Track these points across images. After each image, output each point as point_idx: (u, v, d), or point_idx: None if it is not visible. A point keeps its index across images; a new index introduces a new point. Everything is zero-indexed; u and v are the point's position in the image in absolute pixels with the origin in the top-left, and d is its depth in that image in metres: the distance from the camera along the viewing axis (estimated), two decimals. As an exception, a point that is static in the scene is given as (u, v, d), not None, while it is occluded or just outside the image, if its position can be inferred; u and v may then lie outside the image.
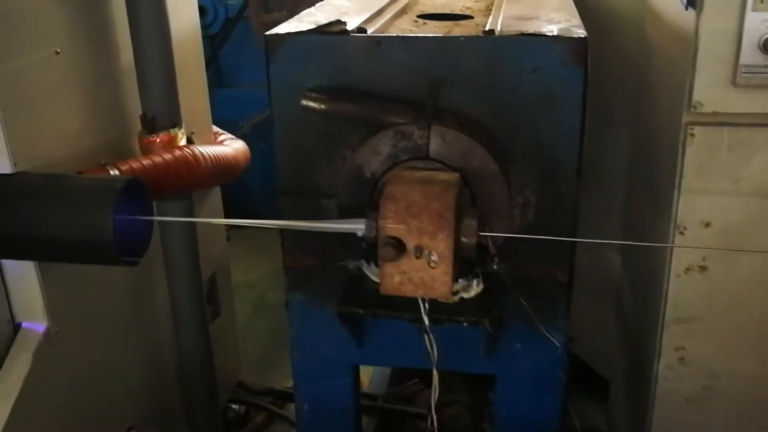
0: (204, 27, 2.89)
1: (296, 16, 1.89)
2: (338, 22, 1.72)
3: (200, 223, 2.29)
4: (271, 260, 4.19)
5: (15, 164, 1.65)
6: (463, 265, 1.61)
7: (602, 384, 2.80)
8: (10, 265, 1.73)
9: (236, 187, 2.74)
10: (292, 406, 2.95)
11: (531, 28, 1.70)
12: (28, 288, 1.76)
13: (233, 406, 2.92)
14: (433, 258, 1.46)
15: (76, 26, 1.88)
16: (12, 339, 1.77)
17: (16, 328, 1.79)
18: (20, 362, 1.75)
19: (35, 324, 1.79)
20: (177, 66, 2.08)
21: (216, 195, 2.71)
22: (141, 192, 1.66)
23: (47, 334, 1.79)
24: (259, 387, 3.05)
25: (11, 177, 1.64)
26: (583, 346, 2.73)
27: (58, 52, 1.80)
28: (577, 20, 1.79)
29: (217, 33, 4.44)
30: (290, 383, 3.11)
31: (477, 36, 1.69)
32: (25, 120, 1.68)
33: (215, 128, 2.67)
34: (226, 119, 2.89)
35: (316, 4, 2.07)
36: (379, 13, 1.95)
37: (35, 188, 1.63)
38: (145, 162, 1.89)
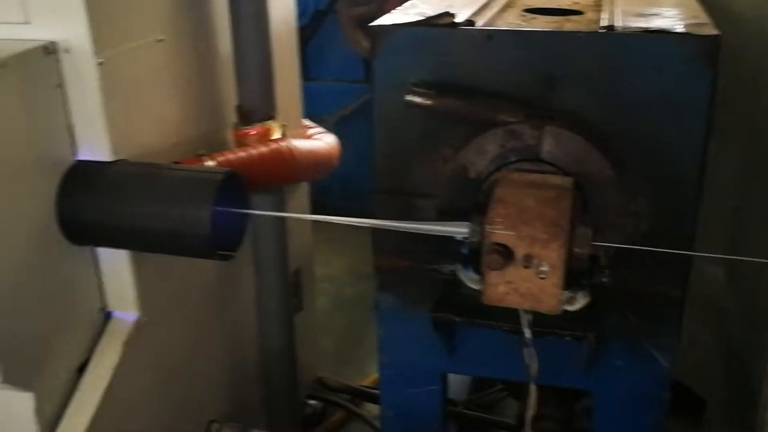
0: (293, 19, 2.86)
1: (401, 8, 1.82)
2: (447, 14, 1.64)
3: (289, 217, 2.25)
4: (349, 254, 4.16)
5: (115, 152, 1.63)
6: (570, 276, 1.52)
7: (696, 401, 2.64)
8: (104, 254, 1.72)
9: (316, 181, 2.69)
10: (369, 405, 2.91)
11: (654, 24, 1.58)
12: (120, 278, 1.75)
13: (311, 402, 2.88)
14: (543, 268, 1.37)
15: (179, 15, 1.86)
16: (103, 328, 1.77)
17: (108, 316, 1.78)
18: (111, 351, 1.74)
19: (126, 314, 1.78)
20: (274, 58, 2.05)
21: (303, 189, 2.67)
22: (237, 185, 1.63)
23: (137, 325, 1.78)
24: (337, 384, 3.00)
25: (111, 165, 1.62)
26: (678, 362, 2.59)
27: (161, 40, 1.78)
28: (703, 17, 1.67)
29: (306, 25, 4.42)
30: (366, 381, 3.08)
31: (596, 32, 1.59)
32: (125, 108, 1.67)
33: (305, 121, 2.63)
34: (310, 113, 2.85)
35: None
36: (485, 5, 1.86)
37: (134, 177, 1.61)
38: (242, 154, 1.86)
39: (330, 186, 4.06)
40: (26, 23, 1.54)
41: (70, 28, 1.54)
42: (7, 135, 1.45)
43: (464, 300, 1.69)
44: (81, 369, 1.72)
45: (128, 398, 1.78)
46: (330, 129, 2.79)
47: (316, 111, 3.45)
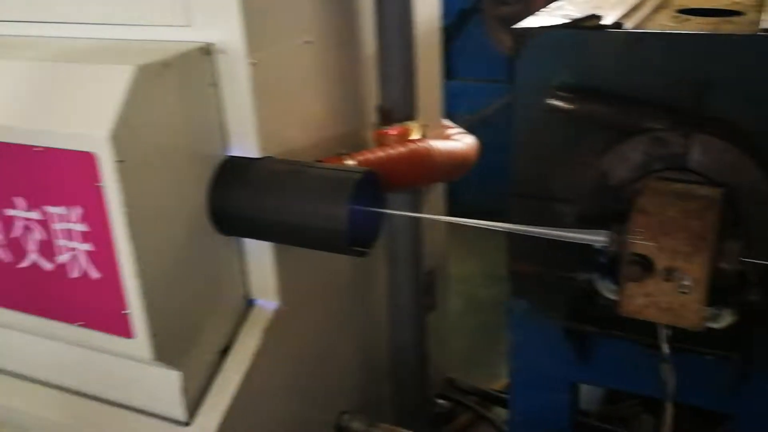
0: (438, 18, 2.88)
1: (547, 9, 1.79)
2: (593, 16, 1.60)
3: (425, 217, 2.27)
4: (483, 255, 4.14)
5: (263, 149, 1.71)
6: (716, 292, 1.44)
7: None
8: (250, 244, 1.81)
9: (455, 181, 2.69)
10: (497, 409, 2.89)
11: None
12: (264, 268, 1.83)
13: (440, 401, 2.90)
14: (685, 282, 1.31)
15: (327, 17, 1.92)
16: (246, 314, 1.86)
17: (250, 304, 1.87)
18: (251, 337, 1.83)
19: (267, 302, 1.87)
20: (417, 58, 2.07)
21: (440, 189, 2.68)
22: (375, 184, 1.67)
23: (277, 313, 1.86)
24: (466, 386, 3.00)
25: (258, 161, 1.71)
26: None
27: (309, 42, 1.85)
28: None
29: (450, 24, 4.43)
30: (497, 384, 3.06)
31: (756, 34, 1.49)
32: (274, 107, 1.74)
33: (445, 121, 2.64)
34: (452, 112, 2.86)
35: (567, -4, 1.96)
36: (636, 7, 1.80)
37: (278, 173, 1.68)
38: (381, 154, 1.90)
39: (469, 186, 4.06)
40: (188, 26, 1.65)
41: (226, 31, 1.63)
42: (168, 129, 1.56)
43: (599, 310, 1.65)
44: (224, 352, 1.82)
45: (266, 383, 1.87)
46: (472, 128, 2.80)
47: (458, 110, 3.46)
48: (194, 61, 1.61)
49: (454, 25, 4.44)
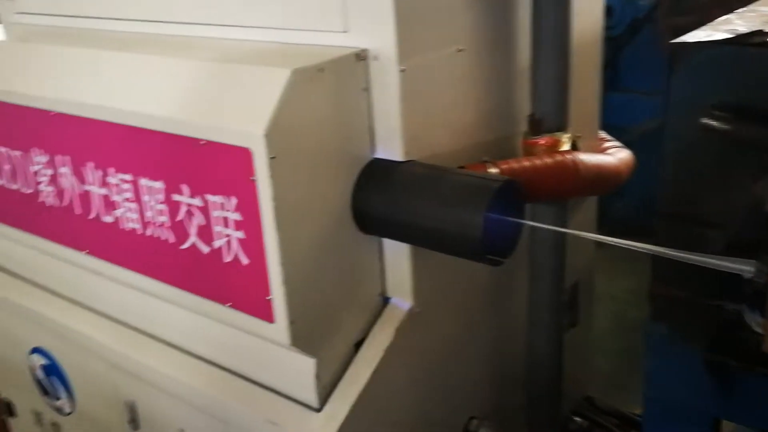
0: (607, 27, 2.80)
1: (711, 23, 1.71)
2: (760, 32, 1.51)
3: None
4: (637, 274, 3.97)
5: (407, 153, 1.77)
6: None
7: None
8: (389, 244, 1.87)
9: (610, 196, 2.62)
10: (636, 435, 2.78)
11: None
12: (400, 268, 1.89)
13: (576, 418, 2.83)
14: (838, 323, 1.21)
15: (481, 25, 1.94)
16: (381, 312, 1.92)
17: (386, 302, 1.94)
18: (384, 333, 1.89)
19: (402, 301, 1.92)
20: (572, 68, 2.04)
21: (591, 203, 2.62)
22: (516, 194, 1.67)
23: (411, 313, 1.91)
24: (605, 406, 2.91)
25: (401, 164, 1.76)
26: None
27: (461, 50, 1.88)
28: None
29: (620, 34, 4.29)
30: (638, 409, 2.93)
31: None
32: (421, 113, 1.79)
33: (602, 134, 2.57)
34: (615, 124, 2.78)
35: (738, 10, 1.85)
36: (813, 23, 1.67)
37: (419, 177, 1.73)
38: (526, 164, 1.89)
39: (625, 202, 3.91)
40: (344, 32, 1.73)
41: (380, 38, 1.69)
42: (320, 129, 1.65)
43: (745, 343, 1.55)
44: (357, 345, 1.89)
45: (395, 379, 1.92)
46: (633, 142, 2.71)
47: (621, 122, 3.34)
48: (348, 66, 1.69)
49: (625, 35, 4.29)
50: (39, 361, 2.54)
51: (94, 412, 2.44)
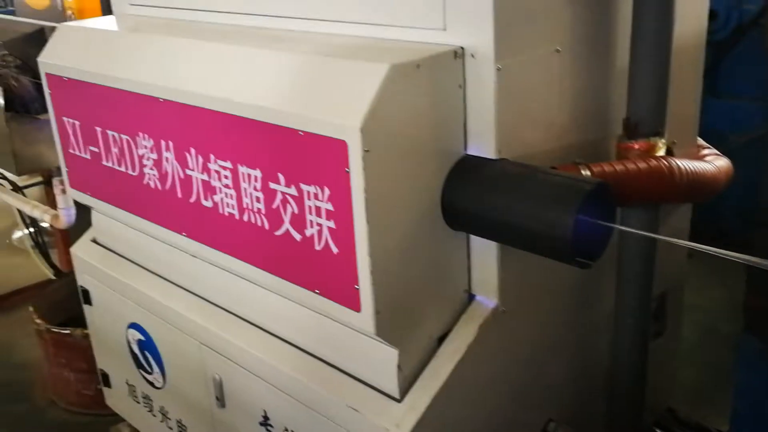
0: (710, 32, 2.72)
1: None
2: None
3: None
4: (730, 287, 3.84)
5: (499, 151, 1.78)
6: None
7: None
8: (476, 241, 1.88)
9: (705, 204, 2.55)
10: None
11: None
12: (487, 266, 1.90)
13: (657, 430, 2.77)
14: None
15: (579, 26, 1.93)
16: (465, 308, 1.94)
17: (471, 298, 1.95)
18: (467, 330, 1.91)
19: (487, 299, 1.93)
20: (672, 72, 2.00)
21: (685, 210, 2.56)
22: (607, 197, 1.65)
23: (495, 311, 1.92)
24: (689, 419, 2.83)
25: (494, 162, 1.77)
26: None
27: (558, 51, 1.87)
28: None
29: (724, 39, 4.15)
30: (723, 424, 2.85)
31: None
32: (515, 111, 1.80)
33: (699, 140, 2.51)
34: (715, 131, 2.70)
35: None
36: None
37: (512, 176, 1.74)
38: (618, 167, 1.87)
39: (721, 209, 3.79)
40: (443, 29, 1.76)
41: (478, 36, 1.71)
42: (414, 124, 1.68)
43: None
44: (440, 340, 1.92)
45: (476, 375, 1.94)
46: (733, 150, 2.63)
47: (722, 129, 3.24)
48: (445, 63, 1.71)
49: (728, 40, 4.15)
50: (135, 336, 2.68)
51: (183, 387, 2.55)
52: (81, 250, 2.85)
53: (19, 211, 4.34)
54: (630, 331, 2.28)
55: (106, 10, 5.37)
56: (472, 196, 1.76)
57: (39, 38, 3.71)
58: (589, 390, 2.40)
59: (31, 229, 4.28)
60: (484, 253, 1.89)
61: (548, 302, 2.13)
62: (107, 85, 2.26)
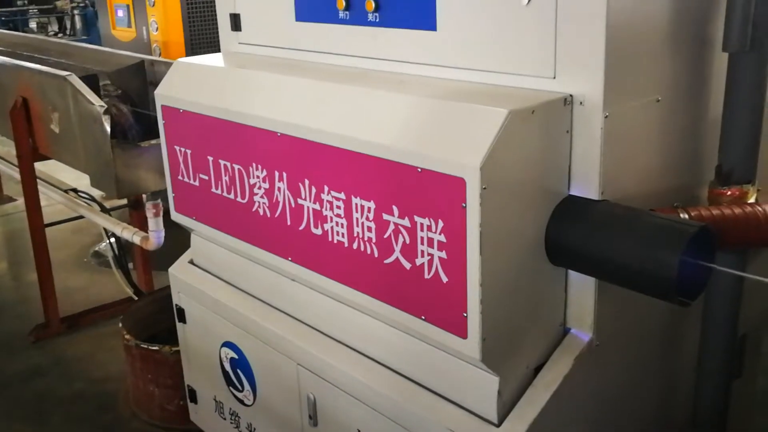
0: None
1: None
2: None
3: (748, 279, 2.26)
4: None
5: (602, 192, 1.89)
6: None
7: None
8: (575, 277, 1.99)
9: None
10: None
11: None
12: (584, 301, 2.00)
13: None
14: None
15: (678, 78, 2.04)
16: (560, 340, 2.04)
17: (566, 332, 2.05)
18: (562, 362, 2.01)
19: (582, 333, 2.03)
20: (764, 122, 2.10)
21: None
22: (709, 240, 1.75)
23: (590, 345, 2.02)
24: (763, 464, 2.86)
25: (596, 203, 1.88)
26: None
27: (658, 100, 1.98)
28: None
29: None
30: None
31: None
32: (618, 156, 1.91)
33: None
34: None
35: None
36: None
37: (615, 216, 1.84)
38: (715, 212, 1.96)
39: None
40: (553, 78, 1.89)
41: (587, 85, 1.83)
42: (525, 165, 1.80)
43: None
44: (536, 370, 2.01)
45: (570, 406, 2.02)
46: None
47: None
48: (556, 110, 1.84)
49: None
50: (228, 354, 2.82)
51: (274, 405, 2.68)
52: (179, 271, 3.02)
53: (105, 232, 4.57)
54: (713, 373, 2.34)
55: (189, 42, 5.67)
56: (576, 234, 1.87)
57: (138, 70, 3.95)
58: (671, 428, 2.46)
59: (115, 250, 4.49)
60: (583, 289, 1.99)
61: (639, 339, 2.21)
62: (223, 118, 2.44)
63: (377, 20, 2.27)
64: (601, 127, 1.84)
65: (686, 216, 1.93)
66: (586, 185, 1.91)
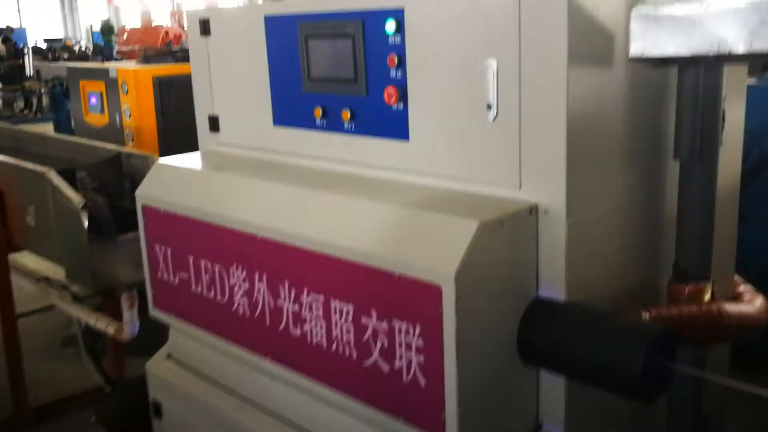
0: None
1: None
2: None
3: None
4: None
5: (569, 294, 2.00)
6: None
7: None
8: (546, 375, 2.08)
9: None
10: None
11: None
12: (554, 396, 2.09)
13: None
14: None
15: (635, 184, 2.19)
16: (534, 435, 2.12)
17: (539, 426, 2.13)
18: (536, 457, 2.08)
19: (554, 427, 2.11)
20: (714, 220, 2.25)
21: (725, 347, 2.75)
22: (669, 341, 1.86)
23: (562, 440, 2.10)
24: None
25: (563, 306, 2.00)
26: None
27: (617, 207, 2.13)
28: None
29: (745, 170, 4.43)
30: None
31: None
32: (582, 260, 2.03)
33: (736, 277, 2.72)
34: (744, 258, 2.89)
35: None
36: None
37: (583, 317, 1.95)
38: (673, 311, 2.09)
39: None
40: (519, 188, 2.02)
41: (550, 195, 1.97)
42: (495, 273, 1.91)
43: None
44: (510, 466, 2.09)
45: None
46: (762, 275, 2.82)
47: (752, 255, 3.43)
48: (522, 219, 1.97)
49: (749, 172, 4.44)
50: (207, 450, 2.83)
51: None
52: (157, 366, 3.05)
53: (79, 322, 4.55)
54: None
55: (162, 129, 5.77)
56: (544, 336, 1.97)
57: (115, 162, 4.04)
58: None
59: (85, 341, 4.47)
60: (553, 386, 2.08)
61: (608, 428, 2.29)
62: (203, 220, 2.53)
63: (353, 128, 2.41)
64: (565, 233, 1.97)
65: (647, 315, 2.05)
66: (554, 287, 2.02)
